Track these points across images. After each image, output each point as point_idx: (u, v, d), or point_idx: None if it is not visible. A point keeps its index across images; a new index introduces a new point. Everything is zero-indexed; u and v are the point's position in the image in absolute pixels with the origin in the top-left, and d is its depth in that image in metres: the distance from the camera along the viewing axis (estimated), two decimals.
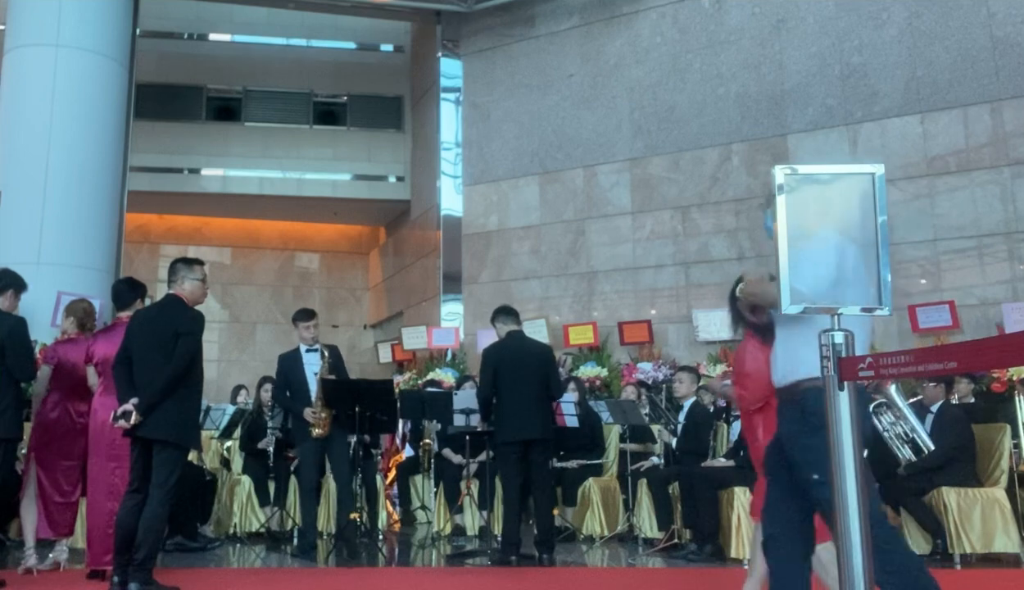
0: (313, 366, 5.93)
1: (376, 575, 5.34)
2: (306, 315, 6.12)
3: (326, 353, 5.97)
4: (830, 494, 2.61)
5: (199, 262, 4.64)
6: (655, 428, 6.87)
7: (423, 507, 7.79)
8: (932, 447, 5.54)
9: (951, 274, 8.11)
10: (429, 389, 8.62)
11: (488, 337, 7.09)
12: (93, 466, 4.77)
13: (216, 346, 13.05)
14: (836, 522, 2.43)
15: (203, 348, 4.50)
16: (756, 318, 2.96)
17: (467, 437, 6.43)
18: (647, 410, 7.03)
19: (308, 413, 5.78)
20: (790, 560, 2.88)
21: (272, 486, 6.84)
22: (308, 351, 6.01)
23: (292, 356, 6.08)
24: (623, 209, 9.88)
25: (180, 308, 4.41)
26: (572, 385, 7.34)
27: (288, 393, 6.03)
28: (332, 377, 5.89)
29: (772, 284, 2.75)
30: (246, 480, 6.83)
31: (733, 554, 5.33)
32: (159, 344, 4.27)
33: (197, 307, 4.52)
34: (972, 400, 6.56)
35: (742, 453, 5.77)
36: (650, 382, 8.65)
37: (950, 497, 5.33)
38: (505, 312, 5.91)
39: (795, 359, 2.78)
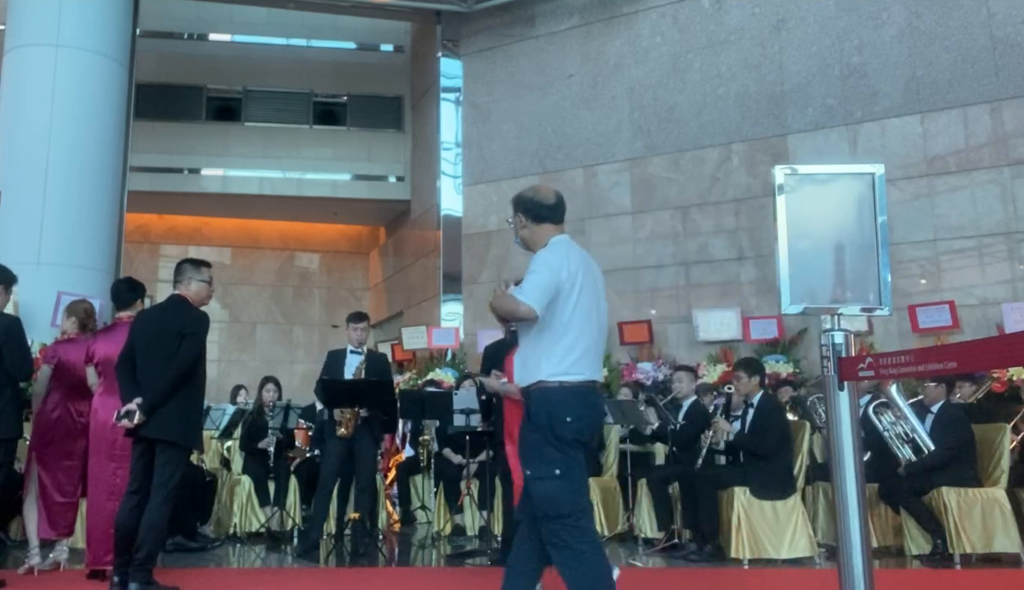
0: (352, 368, 5.98)
1: (376, 575, 5.34)
2: (356, 318, 6.21)
3: (363, 356, 6.01)
4: (538, 491, 2.88)
5: (206, 264, 4.64)
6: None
7: (423, 507, 7.78)
8: (932, 447, 5.55)
9: (951, 274, 8.11)
10: (429, 389, 8.60)
11: (488, 337, 7.09)
12: (94, 466, 4.77)
13: (216, 346, 13.05)
14: (841, 520, 2.42)
15: (206, 349, 4.50)
16: (506, 326, 3.11)
17: (467, 437, 6.43)
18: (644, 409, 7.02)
19: (336, 411, 5.82)
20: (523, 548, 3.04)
21: (272, 486, 6.83)
22: (352, 352, 6.06)
23: (339, 354, 6.16)
24: (623, 209, 9.88)
25: (185, 309, 4.41)
26: None
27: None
28: (327, 377, 5.91)
29: (503, 295, 2.94)
30: (246, 480, 6.83)
31: (733, 554, 5.33)
32: (163, 344, 4.27)
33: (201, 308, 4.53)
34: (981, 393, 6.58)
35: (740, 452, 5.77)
36: (649, 382, 8.66)
37: (950, 497, 5.33)
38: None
39: (529, 364, 2.96)
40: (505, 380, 3.67)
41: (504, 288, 2.99)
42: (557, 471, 2.83)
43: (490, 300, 3.04)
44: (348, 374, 5.95)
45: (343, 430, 5.81)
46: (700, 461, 5.79)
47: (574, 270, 2.94)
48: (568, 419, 2.86)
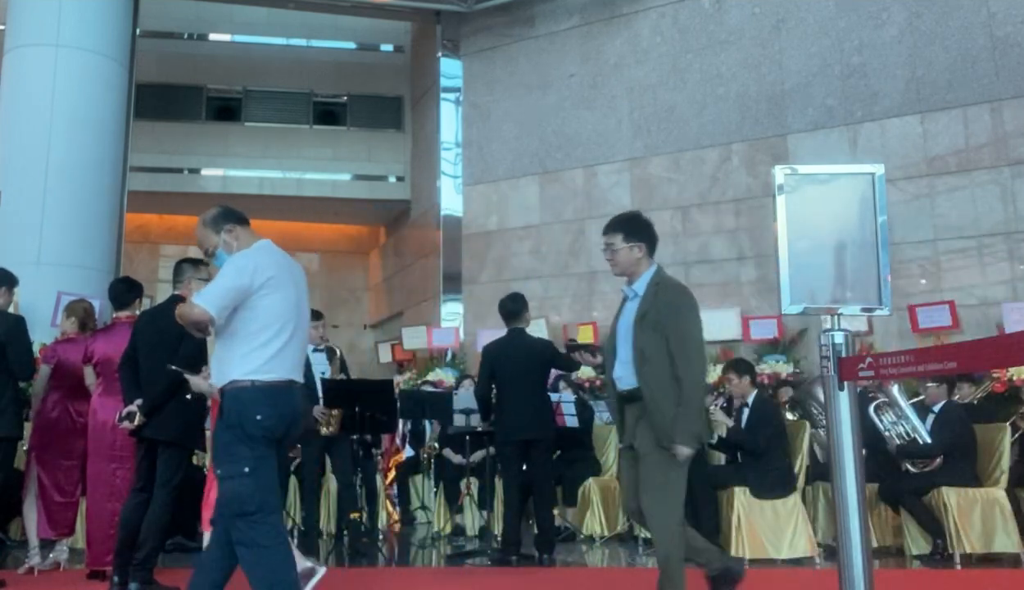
0: (320, 365, 5.98)
1: (376, 575, 5.34)
2: (313, 315, 6.18)
3: (337, 352, 6.00)
4: (227, 489, 2.93)
5: (205, 263, 4.63)
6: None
7: (423, 507, 7.78)
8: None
9: (951, 274, 8.11)
10: (427, 389, 8.59)
11: (487, 336, 7.09)
12: (94, 467, 4.77)
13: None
14: (841, 520, 2.42)
15: (207, 349, 4.50)
16: (202, 333, 3.16)
17: (467, 437, 6.43)
18: None
19: (318, 411, 5.79)
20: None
21: None
22: (315, 351, 6.05)
23: None
24: (623, 209, 9.80)
25: None
26: (563, 384, 7.36)
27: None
28: (328, 377, 5.91)
29: (187, 306, 3.02)
30: None
31: (733, 554, 5.32)
32: (165, 345, 4.26)
33: None
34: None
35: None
36: None
37: (950, 497, 5.33)
38: (506, 313, 5.82)
39: (224, 364, 3.02)
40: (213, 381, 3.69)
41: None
42: (246, 469, 2.90)
43: (178, 311, 3.10)
44: (317, 373, 5.94)
45: (333, 428, 5.80)
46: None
47: (270, 274, 3.03)
48: (258, 417, 2.93)
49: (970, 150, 8.19)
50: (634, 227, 3.51)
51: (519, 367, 5.57)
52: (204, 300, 2.93)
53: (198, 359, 4.37)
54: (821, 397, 5.39)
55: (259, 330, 2.98)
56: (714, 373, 8.41)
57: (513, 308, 5.79)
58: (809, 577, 5.09)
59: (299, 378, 3.13)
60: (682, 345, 3.30)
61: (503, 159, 10.69)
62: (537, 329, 8.96)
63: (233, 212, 3.29)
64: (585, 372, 9.04)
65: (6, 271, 5.12)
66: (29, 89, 8.46)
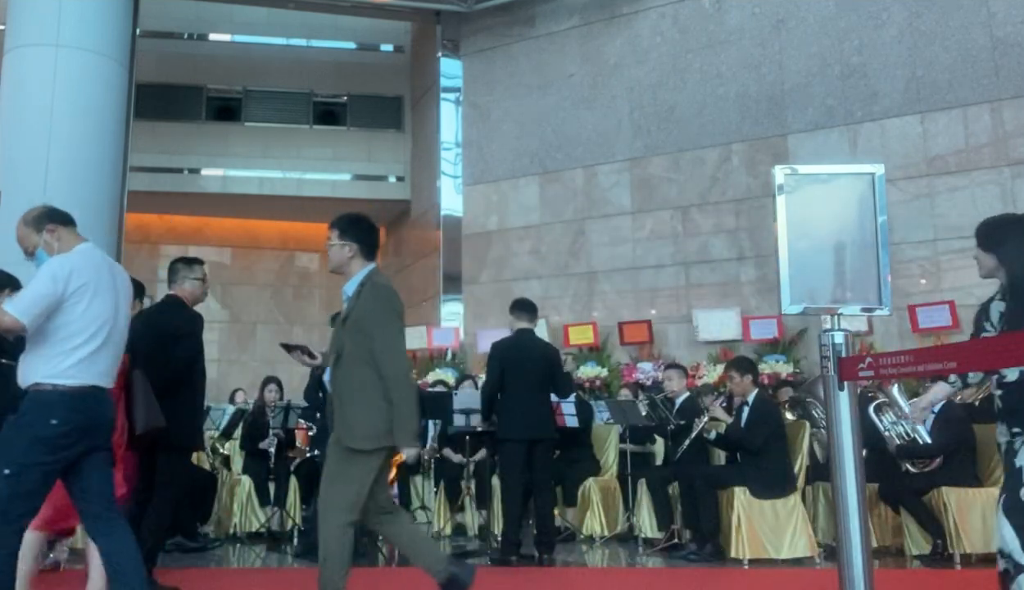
0: None
1: (376, 575, 5.34)
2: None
3: None
4: (4, 490, 2.86)
5: (199, 261, 4.64)
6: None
7: (423, 507, 7.78)
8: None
9: (951, 274, 8.12)
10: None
11: (487, 336, 7.11)
12: None
13: (216, 346, 13.04)
14: (841, 520, 2.42)
15: (204, 348, 4.50)
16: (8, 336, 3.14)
17: (467, 437, 6.43)
18: (645, 412, 7.03)
19: None
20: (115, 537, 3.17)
21: (272, 486, 6.83)
22: None
23: None
24: (623, 209, 9.88)
25: (179, 309, 4.41)
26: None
27: (321, 394, 6.02)
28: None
29: None
30: (246, 480, 6.83)
31: (733, 554, 5.33)
32: (161, 346, 4.26)
33: (197, 307, 4.53)
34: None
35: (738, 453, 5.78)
36: (650, 382, 8.66)
37: (950, 497, 5.33)
38: (520, 307, 5.86)
39: (30, 367, 2.99)
40: None
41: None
42: (7, 471, 2.85)
43: None
44: None
45: None
46: (682, 449, 5.82)
47: (84, 279, 3.03)
48: (53, 421, 2.89)
49: (970, 150, 8.20)
50: (349, 227, 3.55)
51: (528, 367, 5.58)
52: (17, 309, 2.90)
53: (194, 359, 4.38)
54: (822, 397, 5.38)
55: (69, 335, 2.97)
56: (714, 372, 8.44)
57: (529, 305, 5.87)
58: (809, 577, 5.09)
59: (108, 384, 3.09)
60: (384, 346, 3.35)
61: (503, 159, 10.69)
62: (537, 329, 8.95)
63: (57, 212, 3.29)
64: (585, 372, 9.06)
65: (10, 275, 5.12)
66: (29, 89, 8.45)
